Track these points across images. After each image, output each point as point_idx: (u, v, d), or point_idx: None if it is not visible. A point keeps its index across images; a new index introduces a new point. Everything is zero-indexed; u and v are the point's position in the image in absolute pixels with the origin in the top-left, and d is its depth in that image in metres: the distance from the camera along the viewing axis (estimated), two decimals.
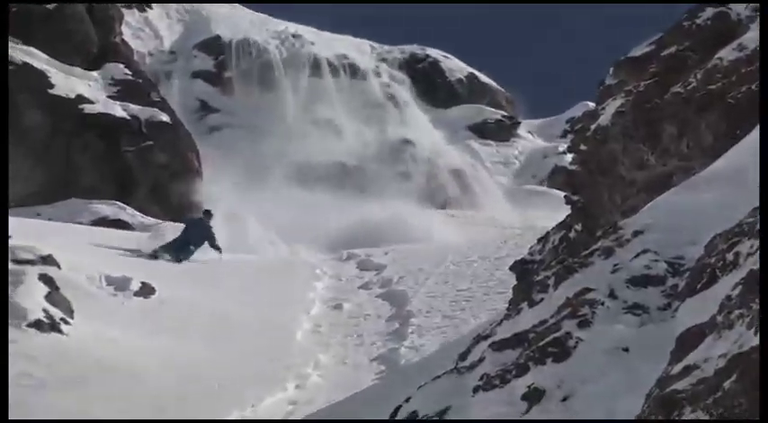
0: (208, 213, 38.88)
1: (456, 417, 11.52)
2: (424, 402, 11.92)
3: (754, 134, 14.42)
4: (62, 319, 29.06)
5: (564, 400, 11.09)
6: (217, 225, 40.26)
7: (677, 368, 9.08)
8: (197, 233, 37.83)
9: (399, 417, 11.97)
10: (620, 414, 9.49)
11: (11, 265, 31.61)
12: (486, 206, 74.75)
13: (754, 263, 9.51)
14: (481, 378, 11.87)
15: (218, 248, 37.73)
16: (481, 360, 12.29)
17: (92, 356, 26.72)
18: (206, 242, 37.82)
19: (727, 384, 8.24)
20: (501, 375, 11.72)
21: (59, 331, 28.38)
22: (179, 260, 36.69)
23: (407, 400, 12.19)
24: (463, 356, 13.24)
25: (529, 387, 11.35)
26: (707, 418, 8.23)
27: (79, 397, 23.93)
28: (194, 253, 37.52)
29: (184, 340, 28.72)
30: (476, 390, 11.77)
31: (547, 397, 11.19)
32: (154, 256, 36.75)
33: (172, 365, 26.13)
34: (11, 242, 33.54)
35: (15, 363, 25.67)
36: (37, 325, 28.05)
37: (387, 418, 12.37)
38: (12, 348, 26.45)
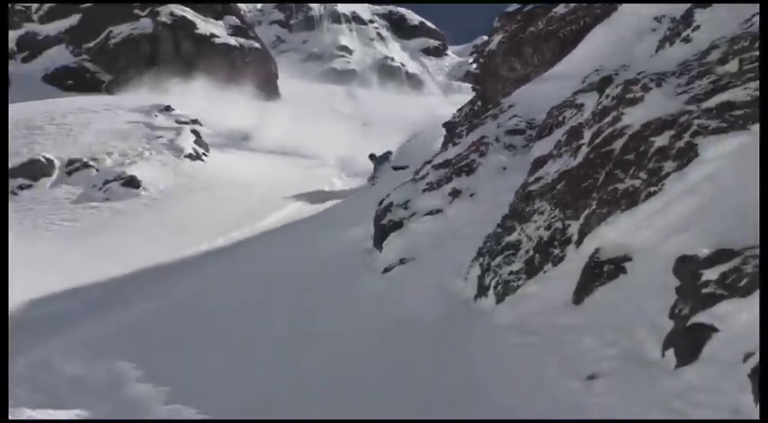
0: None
1: (413, 204, 11.43)
2: (397, 197, 11.84)
3: (574, 53, 14.13)
4: (203, 153, 29.12)
5: (471, 196, 11.01)
6: None
7: (532, 178, 8.95)
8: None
9: (384, 204, 11.87)
10: (503, 203, 9.34)
11: (175, 124, 31.39)
12: (429, 94, 74.67)
13: (573, 122, 9.32)
14: (427, 184, 11.76)
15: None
16: (427, 174, 12.17)
17: (219, 173, 26.78)
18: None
19: (559, 187, 8.12)
20: (437, 182, 11.60)
21: (201, 160, 28.49)
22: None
23: (388, 196, 12.11)
24: (417, 173, 13.15)
25: (452, 189, 11.26)
26: (548, 206, 8.11)
27: (210, 195, 24.12)
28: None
29: (270, 165, 28.75)
30: (424, 190, 11.66)
31: (462, 194, 11.10)
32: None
33: (264, 179, 26.11)
34: (176, 111, 33.07)
35: (179, 179, 25.81)
36: (189, 156, 28.24)
37: (378, 203, 12.20)
38: (175, 170, 26.66)
